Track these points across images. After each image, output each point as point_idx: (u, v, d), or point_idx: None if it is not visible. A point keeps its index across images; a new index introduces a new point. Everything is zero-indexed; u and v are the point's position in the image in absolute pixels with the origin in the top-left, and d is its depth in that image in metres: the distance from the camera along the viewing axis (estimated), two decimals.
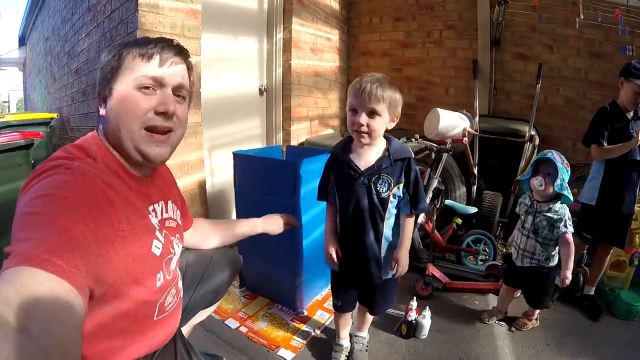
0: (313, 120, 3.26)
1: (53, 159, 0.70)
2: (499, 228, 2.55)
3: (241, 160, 1.80)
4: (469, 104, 2.95)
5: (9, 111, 13.74)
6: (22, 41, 7.26)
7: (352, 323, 1.56)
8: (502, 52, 3.15)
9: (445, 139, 2.39)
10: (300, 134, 3.05)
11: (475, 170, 2.53)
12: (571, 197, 1.49)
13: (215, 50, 2.29)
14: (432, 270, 1.97)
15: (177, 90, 0.81)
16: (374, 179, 1.19)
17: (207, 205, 2.19)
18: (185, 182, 2.00)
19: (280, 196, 1.64)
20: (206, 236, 1.19)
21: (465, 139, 2.36)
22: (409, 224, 1.27)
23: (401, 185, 1.22)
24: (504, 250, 2.53)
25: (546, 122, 3.07)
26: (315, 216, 1.75)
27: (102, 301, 0.67)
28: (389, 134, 1.25)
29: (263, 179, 1.71)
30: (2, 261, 0.52)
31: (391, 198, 1.21)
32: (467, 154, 2.43)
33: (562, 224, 1.50)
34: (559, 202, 1.53)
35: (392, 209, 1.23)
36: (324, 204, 1.78)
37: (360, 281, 1.35)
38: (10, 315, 0.41)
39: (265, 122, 2.93)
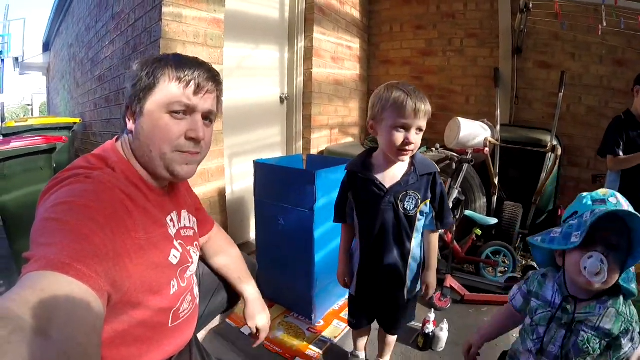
0: (333, 129, 3.27)
1: (74, 168, 0.73)
2: (519, 240, 2.50)
3: (261, 169, 1.82)
4: (490, 113, 2.92)
5: (32, 114, 14.17)
6: (47, 47, 7.53)
7: (368, 337, 1.51)
8: (523, 60, 3.11)
9: (466, 148, 2.36)
10: (320, 142, 3.06)
11: (496, 181, 2.49)
12: (636, 291, 0.82)
13: (237, 58, 2.31)
14: (451, 281, 1.95)
15: (206, 115, 0.83)
16: (400, 196, 1.11)
17: (227, 213, 2.20)
18: (205, 190, 2.02)
19: (298, 206, 1.65)
20: (215, 253, 1.16)
21: (487, 148, 2.33)
22: (434, 240, 1.22)
23: (428, 202, 1.15)
24: (524, 262, 2.48)
25: (568, 132, 3.01)
26: (333, 228, 1.74)
27: (118, 308, 0.68)
28: (420, 147, 1.21)
29: (282, 188, 1.72)
30: (21, 264, 0.53)
31: (418, 215, 1.14)
32: (488, 164, 2.40)
33: (629, 339, 0.80)
34: (615, 297, 0.82)
35: (419, 227, 1.17)
36: None
37: (381, 303, 1.28)
38: (30, 318, 0.41)
39: (286, 130, 2.94)
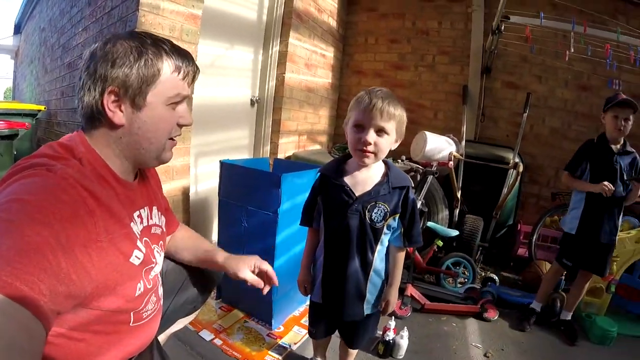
0: (302, 135, 3.27)
1: (37, 156, 0.68)
2: (479, 252, 2.59)
3: (227, 169, 1.79)
4: (457, 129, 3.02)
5: None
6: (18, 29, 7.18)
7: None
8: (492, 79, 3.25)
9: (431, 161, 2.43)
10: (288, 147, 3.06)
11: (459, 194, 2.57)
12: None
13: (211, 57, 2.29)
14: (412, 291, 1.99)
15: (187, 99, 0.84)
16: (369, 206, 1.07)
17: (190, 212, 2.16)
18: (169, 188, 1.98)
19: (262, 208, 1.64)
20: (182, 248, 1.12)
21: (451, 162, 2.40)
22: (399, 257, 1.18)
23: (397, 216, 1.10)
24: (483, 274, 2.57)
25: (530, 151, 3.16)
26: (295, 233, 1.75)
27: (77, 309, 0.65)
28: (386, 158, 1.14)
29: (248, 190, 1.70)
30: None
31: (385, 229, 1.10)
32: (452, 178, 2.48)
33: None
34: None
35: (384, 241, 1.13)
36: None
37: (340, 316, 1.23)
38: None
39: (254, 133, 2.93)
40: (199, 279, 1.18)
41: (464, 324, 1.97)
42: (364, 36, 3.81)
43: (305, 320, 1.83)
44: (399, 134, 1.07)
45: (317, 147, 3.59)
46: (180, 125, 0.82)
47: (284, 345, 1.63)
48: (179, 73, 0.76)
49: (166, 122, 0.78)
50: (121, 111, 0.72)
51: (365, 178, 1.10)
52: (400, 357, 1.61)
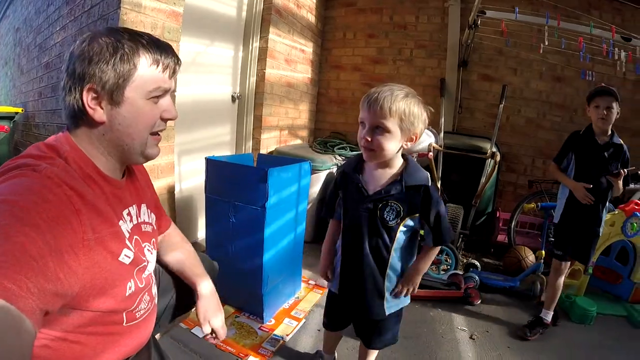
0: (283, 130, 3.29)
1: (23, 156, 0.68)
2: (461, 239, 2.66)
3: (213, 165, 1.81)
4: (435, 121, 3.07)
5: None
6: None
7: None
8: (469, 72, 3.32)
9: (411, 153, 2.48)
10: (270, 143, 3.07)
11: (439, 184, 2.63)
12: None
13: (192, 54, 2.28)
14: None
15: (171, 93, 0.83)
16: (380, 205, 1.04)
17: (176, 211, 2.17)
18: (154, 187, 1.97)
19: (250, 203, 1.67)
20: (170, 249, 1.10)
21: (431, 153, 2.47)
22: (430, 253, 1.13)
23: (416, 216, 1.07)
24: (465, 260, 2.66)
25: (507, 140, 3.26)
26: (281, 227, 1.79)
27: (67, 310, 0.65)
28: (409, 156, 1.11)
29: (234, 185, 1.72)
30: None
31: (401, 228, 1.06)
32: (432, 168, 2.53)
33: None
34: None
35: (400, 238, 1.08)
36: (289, 215, 1.79)
37: (357, 313, 1.21)
38: None
39: (236, 130, 2.92)
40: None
41: (449, 309, 2.05)
42: (342, 31, 3.83)
43: (295, 312, 1.88)
44: (406, 130, 1.01)
45: (299, 141, 3.61)
46: (164, 120, 0.80)
47: (277, 337, 1.66)
48: (157, 66, 0.75)
49: (147, 116, 0.76)
50: (101, 108, 0.72)
51: (381, 176, 1.07)
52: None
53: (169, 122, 0.84)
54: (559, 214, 1.93)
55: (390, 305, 1.14)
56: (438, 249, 1.14)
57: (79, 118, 0.74)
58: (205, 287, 1.06)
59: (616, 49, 2.49)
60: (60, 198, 0.63)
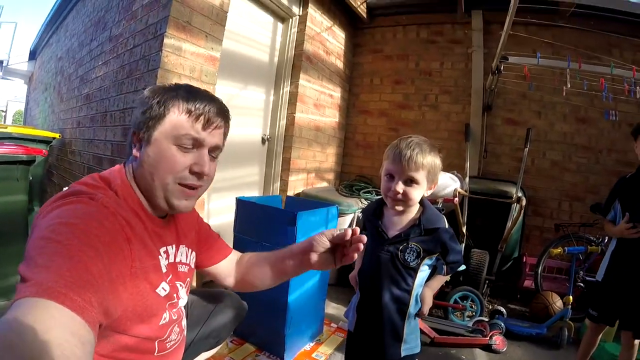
0: (310, 173, 3.33)
1: (79, 183, 0.74)
2: (486, 285, 2.60)
3: (244, 206, 1.85)
4: (460, 166, 3.07)
5: (4, 121, 13.61)
6: (33, 55, 7.37)
7: None
8: (493, 116, 3.35)
9: (436, 198, 2.48)
10: (297, 184, 3.11)
11: (464, 229, 2.60)
12: None
13: (226, 96, 2.39)
14: (421, 324, 2.00)
15: (212, 149, 0.83)
16: (401, 247, 1.08)
17: None
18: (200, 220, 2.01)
19: (278, 244, 1.64)
20: (249, 268, 1.10)
21: (456, 199, 2.45)
22: (440, 279, 1.20)
23: (434, 256, 1.11)
24: (491, 307, 2.58)
25: (533, 184, 3.22)
26: None
27: (105, 333, 0.68)
28: (425, 200, 1.14)
29: (263, 227, 1.75)
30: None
31: (421, 267, 1.10)
32: (457, 214, 2.52)
33: None
34: None
35: (421, 278, 1.11)
36: None
37: (373, 355, 1.18)
38: (25, 353, 0.42)
39: (265, 171, 2.99)
40: (228, 311, 1.20)
41: (473, 357, 1.99)
42: (370, 77, 3.94)
43: (316, 354, 1.84)
44: (430, 181, 1.08)
45: (325, 184, 3.64)
46: (193, 173, 0.79)
47: None
48: (189, 115, 0.77)
49: (169, 161, 0.77)
50: (140, 145, 0.80)
51: (399, 220, 1.12)
52: None
53: None
54: (603, 271, 1.71)
55: (406, 348, 1.13)
56: (447, 276, 1.19)
57: (129, 154, 0.82)
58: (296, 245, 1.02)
59: (638, 87, 2.49)
60: (115, 226, 0.68)
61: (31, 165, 1.97)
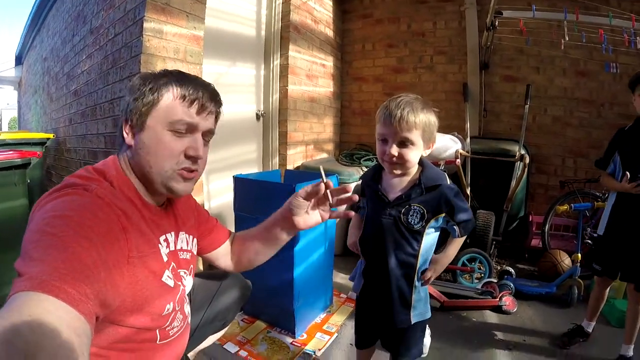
0: (308, 145, 3.31)
1: (74, 177, 0.73)
2: (493, 246, 2.59)
3: (241, 183, 1.83)
4: (460, 127, 3.03)
5: (0, 129, 13.63)
6: (19, 60, 7.29)
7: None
8: (491, 75, 3.27)
9: (438, 160, 2.44)
10: (296, 158, 3.09)
11: (468, 191, 2.58)
12: None
13: (215, 75, 2.34)
14: (430, 289, 2.00)
15: (205, 134, 0.83)
16: (403, 210, 1.04)
17: None
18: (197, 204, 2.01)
19: None
20: (243, 248, 1.12)
21: (458, 160, 2.42)
22: (459, 241, 1.13)
23: (441, 216, 1.05)
24: (499, 268, 2.58)
25: (535, 141, 3.17)
26: (311, 241, 1.78)
27: (104, 324, 0.67)
28: (423, 158, 1.10)
29: (263, 202, 1.73)
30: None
31: (427, 230, 1.05)
32: (460, 175, 2.49)
33: None
34: None
35: (427, 242, 1.07)
36: (318, 229, 1.78)
37: (382, 322, 1.17)
38: (21, 347, 0.41)
39: (262, 147, 2.97)
40: (232, 291, 1.20)
41: (484, 319, 1.99)
42: (361, 43, 3.85)
43: (327, 327, 1.85)
44: (427, 139, 1.03)
45: (325, 155, 3.62)
46: (188, 157, 0.79)
47: (309, 352, 1.65)
48: (183, 100, 0.77)
49: (165, 147, 0.77)
50: (131, 132, 0.79)
51: (399, 182, 1.09)
52: (424, 355, 1.62)
53: None
54: (604, 225, 1.71)
55: (416, 314, 1.11)
56: (464, 237, 1.13)
57: (122, 143, 0.82)
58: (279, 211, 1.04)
59: (638, 37, 2.41)
60: (110, 216, 0.68)
61: (27, 168, 1.97)
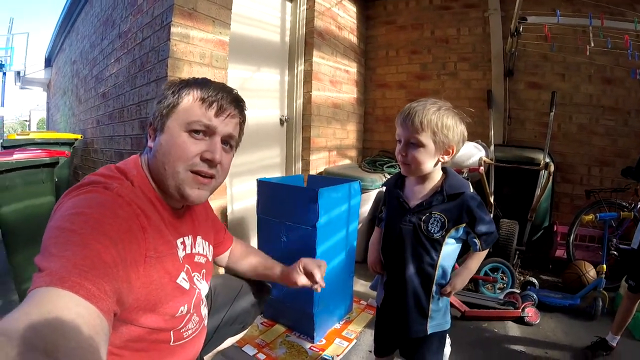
0: (331, 151, 3.32)
1: (96, 175, 0.74)
2: (517, 256, 2.53)
3: (265, 187, 1.85)
4: (484, 134, 2.98)
5: (29, 129, 14.15)
6: (49, 62, 7.58)
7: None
8: (515, 81, 3.21)
9: (461, 168, 2.41)
10: (318, 163, 3.10)
11: (492, 199, 2.53)
12: None
13: (240, 80, 2.38)
14: (451, 298, 1.97)
15: (225, 139, 0.82)
16: (424, 217, 1.02)
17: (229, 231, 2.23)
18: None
19: (301, 223, 1.68)
20: (241, 258, 1.20)
21: (482, 168, 2.38)
22: (480, 255, 1.09)
23: (462, 227, 1.02)
24: (522, 278, 2.51)
25: (560, 149, 3.10)
26: (332, 246, 1.78)
27: (118, 322, 0.68)
28: (448, 167, 1.09)
29: (285, 206, 1.75)
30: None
31: (447, 240, 1.02)
32: (484, 183, 2.44)
33: None
34: None
35: (446, 251, 1.04)
36: (340, 234, 1.76)
37: (398, 330, 1.16)
38: (40, 344, 0.41)
39: (285, 152, 2.99)
40: (252, 294, 1.21)
41: (505, 329, 1.94)
42: (385, 49, 3.84)
43: (346, 333, 1.84)
44: (440, 144, 0.99)
45: (347, 161, 3.62)
46: (204, 160, 0.78)
47: (327, 357, 1.64)
48: (202, 102, 0.78)
49: (180, 147, 0.76)
50: (154, 135, 0.81)
51: (421, 188, 1.07)
52: None
53: None
54: (638, 239, 1.65)
55: (432, 325, 1.08)
56: (486, 251, 1.09)
57: (145, 145, 0.84)
58: (280, 268, 1.16)
59: None
60: (129, 215, 0.68)
61: (55, 167, 2.03)
